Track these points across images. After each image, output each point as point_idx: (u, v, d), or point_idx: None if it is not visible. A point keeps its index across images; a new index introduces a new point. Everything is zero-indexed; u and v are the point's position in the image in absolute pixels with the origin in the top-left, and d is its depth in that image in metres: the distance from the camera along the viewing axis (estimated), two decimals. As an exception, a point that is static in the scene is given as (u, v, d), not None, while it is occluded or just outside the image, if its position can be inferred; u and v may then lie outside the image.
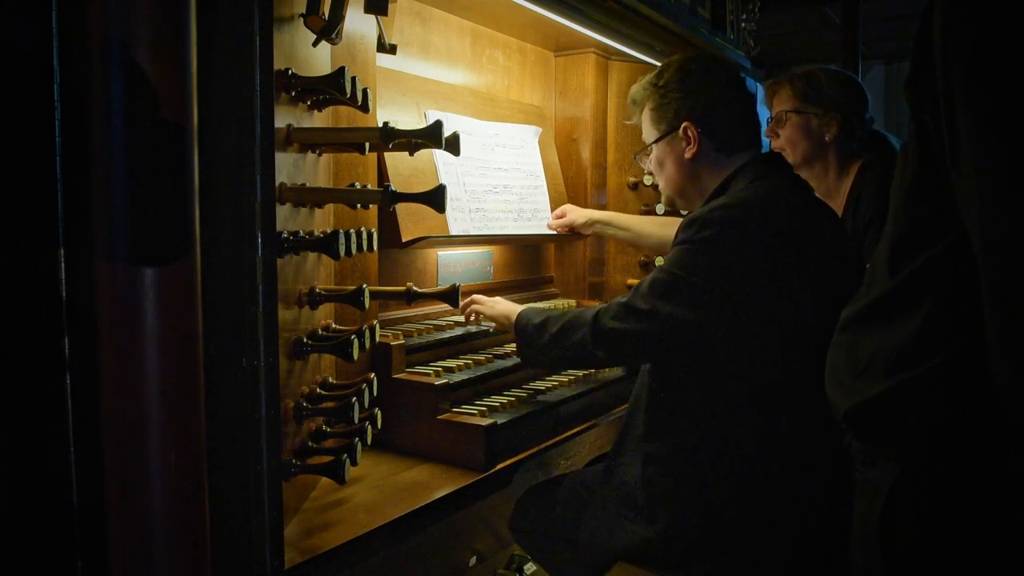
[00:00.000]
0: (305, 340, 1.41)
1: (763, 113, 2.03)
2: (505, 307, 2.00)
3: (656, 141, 1.88)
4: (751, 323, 1.57)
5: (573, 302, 2.65)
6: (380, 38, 1.84)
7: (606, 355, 1.73)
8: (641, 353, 1.74)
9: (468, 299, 2.05)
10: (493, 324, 2.05)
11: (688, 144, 1.80)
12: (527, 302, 2.54)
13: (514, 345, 2.20)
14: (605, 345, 1.69)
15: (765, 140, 1.98)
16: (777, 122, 2.47)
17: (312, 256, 1.47)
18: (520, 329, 1.88)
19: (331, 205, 1.62)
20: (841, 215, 2.34)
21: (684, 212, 2.61)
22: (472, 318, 2.07)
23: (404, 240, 1.94)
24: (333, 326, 1.56)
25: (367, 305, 1.46)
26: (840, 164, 2.43)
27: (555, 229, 2.50)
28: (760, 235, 1.58)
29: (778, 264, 1.58)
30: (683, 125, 1.79)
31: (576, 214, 2.48)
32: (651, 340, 1.63)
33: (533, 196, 2.50)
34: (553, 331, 1.79)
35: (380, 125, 1.44)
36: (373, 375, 1.57)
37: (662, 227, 2.44)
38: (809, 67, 2.48)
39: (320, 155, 1.52)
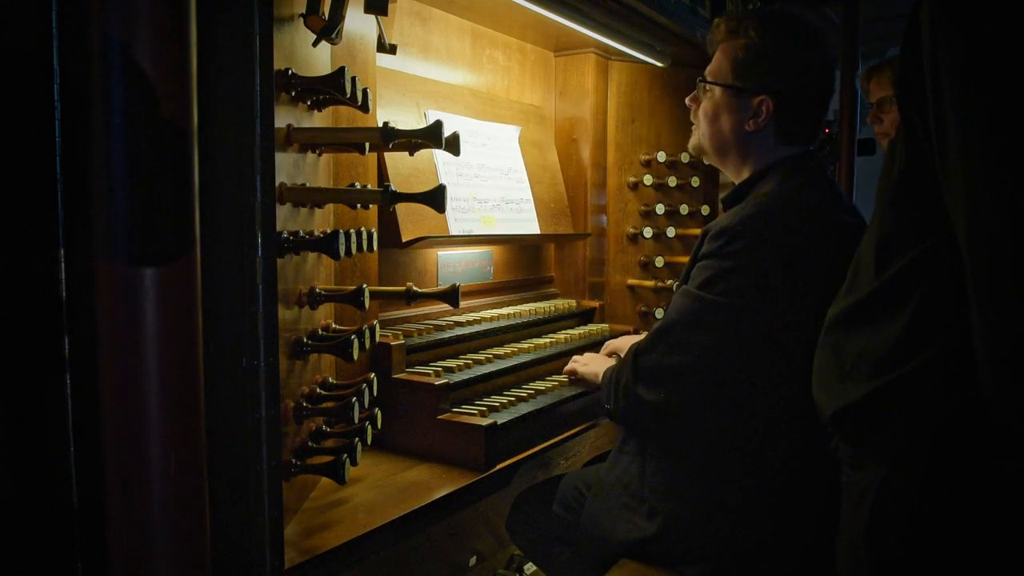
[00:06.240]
0: (305, 340, 1.41)
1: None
2: (596, 366, 2.00)
3: (725, 87, 1.74)
4: (772, 334, 1.56)
5: (573, 302, 2.65)
6: (380, 38, 1.84)
7: (651, 395, 1.62)
8: (681, 386, 1.60)
9: (573, 358, 2.15)
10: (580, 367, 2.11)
11: (756, 117, 1.71)
12: (527, 302, 2.55)
13: (513, 346, 2.21)
14: (646, 381, 1.62)
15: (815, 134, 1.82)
16: (880, 108, 2.39)
17: (312, 256, 1.47)
18: (603, 386, 1.81)
19: (331, 205, 1.62)
20: None
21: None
22: (572, 376, 2.13)
23: (404, 240, 1.94)
24: (333, 326, 1.56)
25: (367, 305, 1.46)
26: None
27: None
28: (786, 244, 1.55)
29: (800, 272, 1.55)
30: (761, 99, 1.70)
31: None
32: (687, 372, 1.58)
33: (534, 195, 2.50)
34: (612, 380, 1.72)
35: (380, 125, 1.44)
36: (373, 375, 1.57)
37: None
38: None
39: (320, 155, 1.52)
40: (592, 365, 2.05)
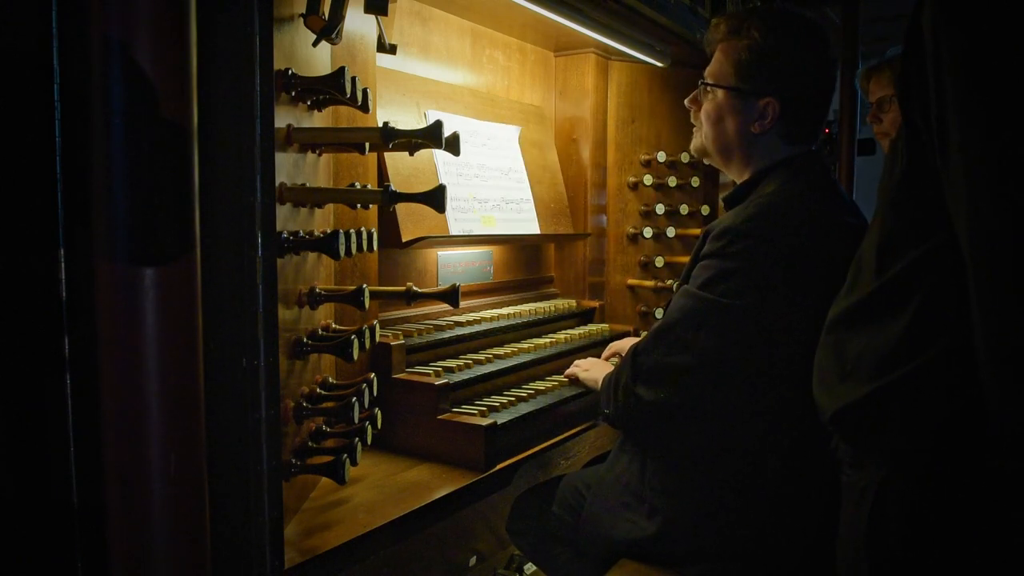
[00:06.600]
0: (305, 340, 1.41)
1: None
2: (597, 372, 2.01)
3: (729, 89, 1.71)
4: (772, 335, 1.56)
5: (573, 302, 2.65)
6: (380, 38, 1.84)
7: (651, 394, 1.61)
8: (681, 386, 1.59)
9: (575, 363, 2.15)
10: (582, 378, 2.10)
11: (762, 119, 1.69)
12: (527, 302, 2.55)
13: (513, 346, 2.22)
14: (646, 380, 1.61)
15: (815, 134, 1.81)
16: (879, 108, 2.37)
17: (312, 256, 1.47)
18: (601, 391, 1.81)
19: (331, 205, 1.62)
20: None
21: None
22: (572, 380, 2.13)
23: (404, 240, 1.94)
24: (333, 326, 1.56)
25: (367, 305, 1.46)
26: None
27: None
28: (787, 244, 1.54)
29: (801, 273, 1.54)
30: (767, 100, 1.67)
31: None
32: (688, 372, 1.57)
33: (534, 195, 2.50)
34: (611, 382, 1.72)
35: (380, 125, 1.44)
36: (373, 375, 1.57)
37: None
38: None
39: (320, 155, 1.52)
40: (593, 371, 2.05)
